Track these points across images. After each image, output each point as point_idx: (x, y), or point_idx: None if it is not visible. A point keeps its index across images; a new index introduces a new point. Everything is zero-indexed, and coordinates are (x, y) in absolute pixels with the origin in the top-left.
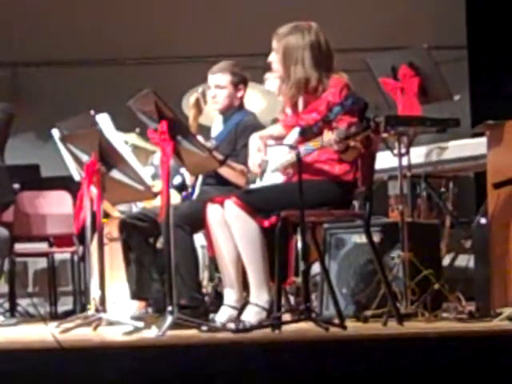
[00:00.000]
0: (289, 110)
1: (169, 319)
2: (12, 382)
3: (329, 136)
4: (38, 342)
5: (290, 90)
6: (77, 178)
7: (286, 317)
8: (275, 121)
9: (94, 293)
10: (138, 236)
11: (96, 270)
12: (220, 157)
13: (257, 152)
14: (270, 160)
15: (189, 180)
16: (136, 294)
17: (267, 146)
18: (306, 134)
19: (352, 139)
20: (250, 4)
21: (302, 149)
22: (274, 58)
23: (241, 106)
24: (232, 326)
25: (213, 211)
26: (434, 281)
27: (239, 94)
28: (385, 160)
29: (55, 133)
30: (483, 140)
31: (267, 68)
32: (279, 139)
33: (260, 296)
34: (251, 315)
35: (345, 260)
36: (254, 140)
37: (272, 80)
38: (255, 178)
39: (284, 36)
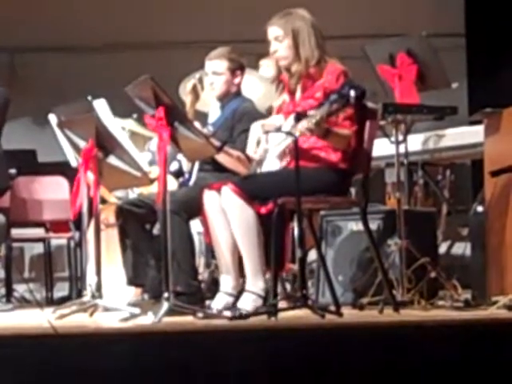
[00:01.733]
0: (287, 97)
1: (165, 306)
2: (8, 367)
3: (302, 124)
4: (33, 328)
5: (299, 71)
6: (74, 163)
7: (283, 304)
8: (270, 109)
9: (90, 279)
10: (135, 222)
11: (92, 255)
12: (217, 143)
13: (257, 140)
14: (269, 148)
15: (186, 166)
16: (132, 281)
17: (267, 133)
18: (301, 120)
19: (335, 115)
20: None
21: (295, 130)
22: (280, 46)
23: (238, 93)
24: (228, 313)
25: (209, 198)
26: (431, 269)
27: (236, 81)
28: (382, 147)
29: (52, 118)
30: (480, 128)
31: (262, 54)
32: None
33: (256, 283)
34: (247, 302)
35: (341, 247)
36: (256, 128)
37: (265, 68)
38: (256, 168)
39: (287, 20)
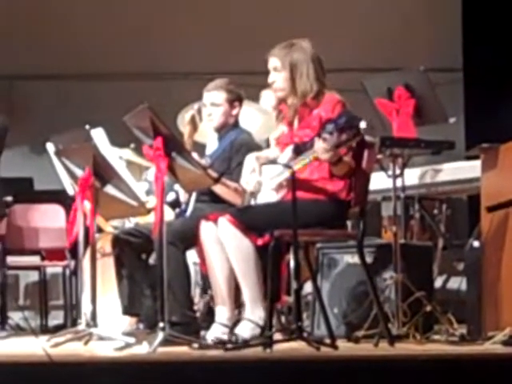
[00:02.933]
0: (285, 128)
1: (160, 336)
2: None
3: (320, 144)
4: (28, 356)
5: (295, 104)
6: (70, 192)
7: (278, 336)
8: (267, 141)
9: (86, 307)
10: (131, 252)
11: (88, 284)
12: (214, 174)
13: (251, 172)
14: (263, 181)
15: (183, 197)
16: (127, 310)
17: (262, 165)
18: (300, 151)
19: (343, 146)
20: (246, 22)
21: (295, 162)
22: (278, 77)
23: (236, 124)
24: (225, 337)
25: (206, 228)
26: (426, 303)
27: (234, 112)
28: (379, 181)
29: (50, 146)
30: (477, 163)
31: (263, 86)
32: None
33: (254, 312)
34: (245, 330)
35: (337, 280)
36: (250, 160)
37: (266, 99)
38: (250, 200)
39: (287, 53)
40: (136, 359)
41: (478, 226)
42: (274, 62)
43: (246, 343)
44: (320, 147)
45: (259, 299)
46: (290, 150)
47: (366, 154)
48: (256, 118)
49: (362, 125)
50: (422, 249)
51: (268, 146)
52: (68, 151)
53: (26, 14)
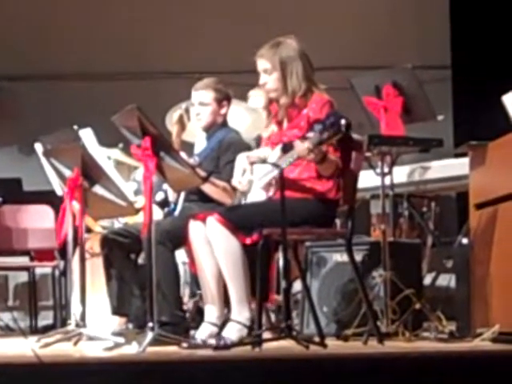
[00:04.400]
0: (275, 128)
1: (149, 335)
2: None
3: (303, 146)
4: (17, 357)
5: (286, 103)
6: (59, 192)
7: (267, 334)
8: (259, 138)
9: (75, 308)
10: (120, 252)
11: (77, 284)
12: (203, 173)
13: (242, 172)
14: (254, 180)
15: (171, 196)
16: (117, 310)
17: (253, 164)
18: (288, 151)
19: (325, 144)
20: (234, 21)
21: (282, 161)
22: (269, 78)
23: (224, 123)
24: (213, 342)
25: (195, 228)
26: (415, 300)
27: (223, 111)
28: (367, 179)
29: (38, 147)
30: (466, 160)
31: (251, 85)
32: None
33: (241, 313)
34: (232, 332)
35: (326, 278)
36: (241, 159)
37: (255, 98)
38: (240, 199)
39: (275, 52)
40: (126, 359)
41: (466, 223)
42: (263, 64)
43: (234, 345)
44: (302, 147)
45: (245, 300)
46: (278, 149)
47: (354, 152)
48: (244, 117)
49: (343, 122)
50: (411, 246)
51: (258, 144)
52: (56, 151)
53: (13, 15)
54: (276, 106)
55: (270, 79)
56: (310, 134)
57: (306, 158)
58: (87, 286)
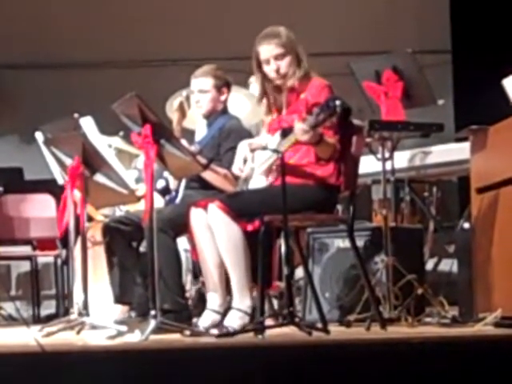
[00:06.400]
0: (274, 115)
1: (152, 323)
2: None
3: (298, 126)
4: (20, 346)
5: (290, 86)
6: (60, 181)
7: (270, 321)
8: (258, 126)
9: (77, 296)
10: (122, 240)
11: (79, 273)
12: (203, 161)
13: (244, 159)
14: (255, 167)
15: (172, 184)
16: (119, 298)
17: (254, 151)
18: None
19: (321, 125)
20: (233, 8)
21: (280, 145)
22: (282, 62)
23: (224, 110)
24: (215, 331)
25: (196, 215)
26: (417, 285)
27: (222, 98)
28: (368, 164)
29: (39, 136)
30: (467, 145)
31: (251, 72)
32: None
33: (242, 301)
34: (234, 320)
35: (328, 264)
36: (243, 147)
37: (255, 85)
38: (242, 186)
39: (283, 37)
40: (128, 347)
41: (468, 207)
42: (272, 50)
43: (236, 333)
44: (299, 128)
45: (247, 287)
46: (278, 135)
47: (354, 137)
48: (244, 103)
49: (338, 102)
50: (413, 231)
51: (258, 131)
52: (57, 140)
53: (14, 3)
54: (273, 95)
55: (282, 64)
56: (306, 116)
57: (302, 140)
58: (89, 274)
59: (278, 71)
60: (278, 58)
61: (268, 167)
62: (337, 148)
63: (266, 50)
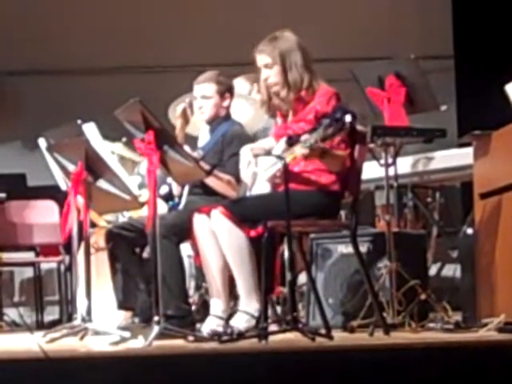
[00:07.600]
0: (279, 120)
1: (155, 329)
2: None
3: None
4: (24, 352)
5: (289, 96)
6: (63, 187)
7: (273, 327)
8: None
9: (81, 302)
10: (125, 246)
11: (82, 279)
12: (207, 167)
13: (247, 165)
14: (259, 172)
15: (175, 190)
16: (122, 304)
17: (257, 156)
18: (293, 144)
19: (329, 140)
20: (236, 14)
21: (287, 152)
22: (271, 72)
23: (227, 116)
24: (220, 329)
25: (199, 221)
26: (421, 291)
27: (225, 103)
28: (371, 170)
29: (42, 142)
30: (470, 150)
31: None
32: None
33: (250, 304)
34: (241, 322)
35: (331, 270)
36: (245, 152)
37: (238, 85)
38: (245, 192)
39: (274, 46)
40: (132, 353)
41: (471, 213)
42: (263, 59)
43: (241, 335)
44: (298, 152)
45: (254, 291)
46: (283, 141)
47: (357, 144)
48: (247, 109)
49: (348, 118)
50: (416, 237)
51: (265, 135)
52: (60, 146)
53: (17, 10)
54: (277, 101)
55: (271, 73)
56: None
57: (302, 155)
58: (92, 280)
59: (266, 80)
60: (267, 66)
61: (273, 175)
62: (345, 161)
63: (258, 58)
